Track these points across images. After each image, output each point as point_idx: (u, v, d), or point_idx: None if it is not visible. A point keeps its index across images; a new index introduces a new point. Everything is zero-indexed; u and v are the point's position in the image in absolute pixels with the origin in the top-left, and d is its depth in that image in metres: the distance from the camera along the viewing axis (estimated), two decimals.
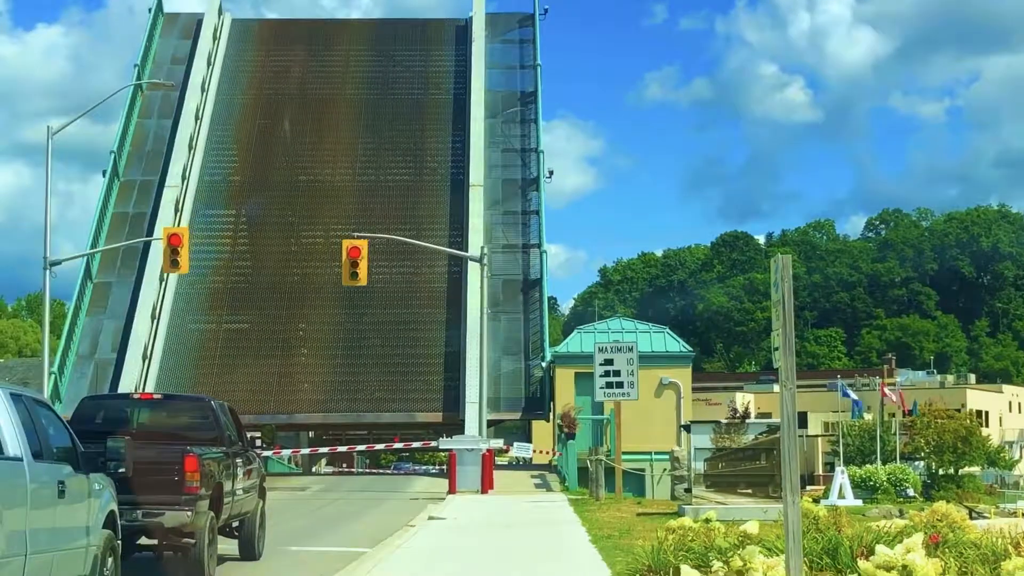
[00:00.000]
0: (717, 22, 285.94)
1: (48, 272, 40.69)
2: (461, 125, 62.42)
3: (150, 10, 66.71)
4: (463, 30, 67.63)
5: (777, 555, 10.85)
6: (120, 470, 14.15)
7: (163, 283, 54.70)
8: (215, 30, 65.87)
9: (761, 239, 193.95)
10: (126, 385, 50.44)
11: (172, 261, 39.28)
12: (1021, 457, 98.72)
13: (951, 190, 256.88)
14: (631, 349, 39.02)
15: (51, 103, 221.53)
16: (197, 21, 66.68)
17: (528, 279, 57.92)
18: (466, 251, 53.11)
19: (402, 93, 65.67)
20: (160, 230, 54.02)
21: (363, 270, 39.90)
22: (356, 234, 42.97)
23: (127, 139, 61.39)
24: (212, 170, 61.19)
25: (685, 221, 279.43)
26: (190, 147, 60.25)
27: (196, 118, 61.45)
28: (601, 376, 38.54)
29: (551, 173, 62.51)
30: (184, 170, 59.25)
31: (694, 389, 57.79)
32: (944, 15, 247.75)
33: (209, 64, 64.23)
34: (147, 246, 54.02)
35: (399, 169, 62.42)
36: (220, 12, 67.19)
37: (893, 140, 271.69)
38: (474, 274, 50.30)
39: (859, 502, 37.42)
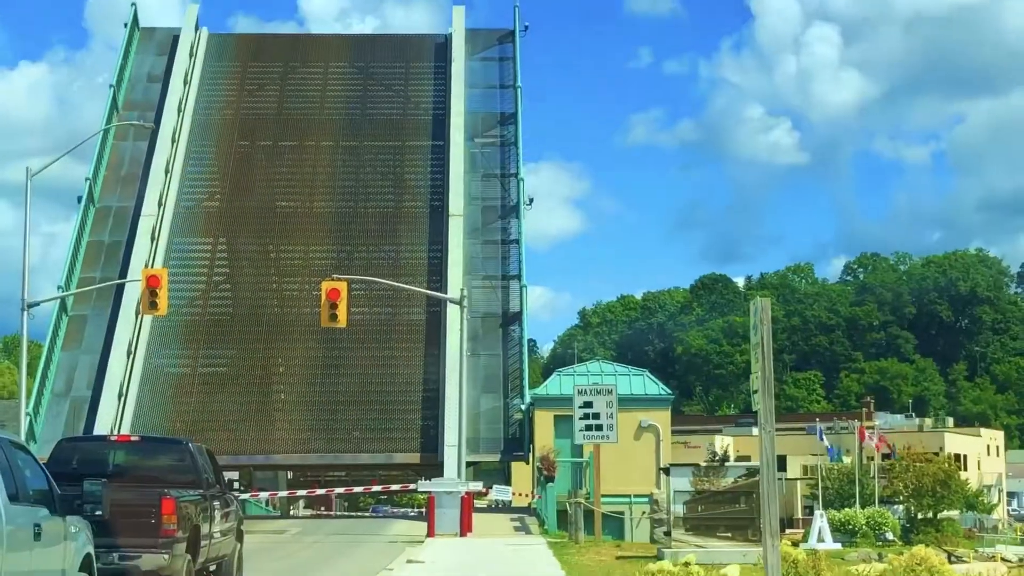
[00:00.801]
0: (702, 65, 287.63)
1: (25, 314, 40.42)
2: (440, 148, 61.61)
3: (125, 25, 65.15)
4: (442, 47, 66.40)
5: None
6: (97, 513, 14.07)
7: (139, 317, 53.72)
8: (191, 47, 64.41)
9: (740, 282, 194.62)
10: (101, 424, 49.99)
11: (151, 303, 39.03)
12: (999, 501, 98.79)
13: (933, 234, 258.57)
14: (610, 392, 39.01)
15: (35, 142, 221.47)
16: (173, 37, 65.15)
17: (508, 314, 57.48)
18: (446, 288, 52.99)
19: (381, 113, 64.61)
20: (137, 262, 53.96)
21: (343, 312, 39.77)
22: (336, 276, 42.82)
23: (102, 163, 60.11)
24: (188, 196, 60.00)
25: (667, 263, 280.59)
26: (166, 172, 59.06)
27: (172, 140, 60.24)
28: (581, 419, 38.51)
29: (531, 200, 61.77)
30: (160, 197, 58.12)
31: (673, 432, 57.77)
32: (928, 60, 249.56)
33: (185, 83, 62.86)
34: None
35: (378, 195, 61.78)
36: (197, 27, 65.76)
37: (876, 183, 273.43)
38: (453, 312, 50.14)
39: (838, 546, 37.40)
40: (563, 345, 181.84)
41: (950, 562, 22.49)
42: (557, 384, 54.76)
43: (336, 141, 63.17)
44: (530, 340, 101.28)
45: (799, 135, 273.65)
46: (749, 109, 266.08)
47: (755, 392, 10.67)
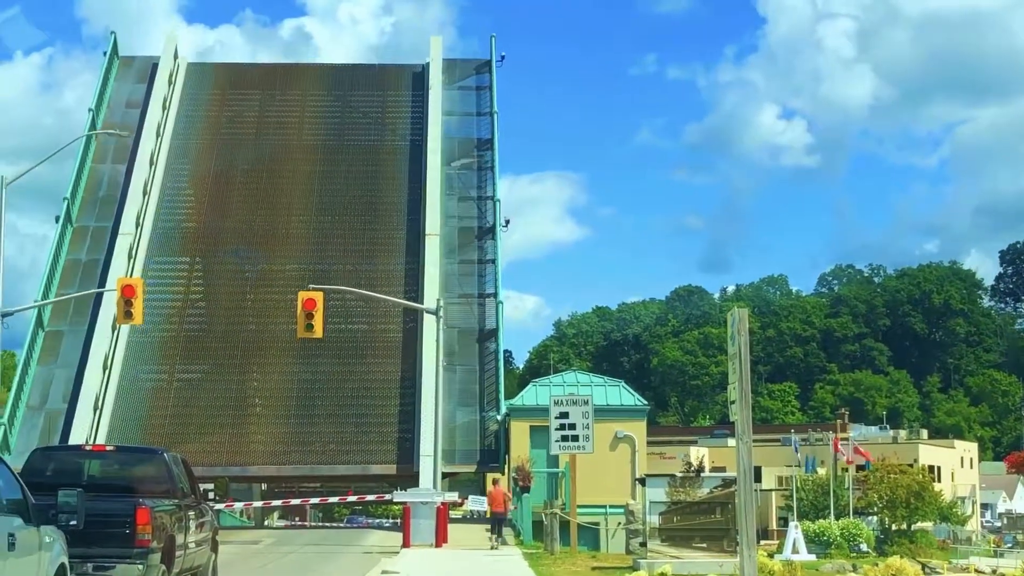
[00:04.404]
0: (704, 72, 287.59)
1: (0, 323, 40.24)
2: (418, 172, 62.29)
3: (105, 53, 65.94)
4: (420, 76, 67.33)
5: None
6: (72, 523, 14.01)
7: (115, 332, 54.18)
8: (171, 74, 65.24)
9: (716, 294, 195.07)
10: (77, 436, 49.87)
11: (126, 312, 39.00)
12: (973, 512, 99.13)
13: (928, 243, 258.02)
14: (586, 402, 39.03)
15: (15, 141, 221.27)
16: (152, 65, 65.92)
17: (484, 329, 57.76)
18: (422, 302, 53.03)
19: (359, 140, 65.30)
20: (114, 280, 53.91)
21: (318, 323, 39.71)
22: (312, 287, 42.76)
23: (80, 184, 60.58)
24: (166, 217, 60.61)
25: (646, 274, 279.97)
26: (144, 193, 59.68)
27: (151, 163, 60.90)
28: (557, 429, 38.52)
29: (507, 222, 62.34)
30: (138, 216, 58.72)
31: (649, 443, 57.81)
32: (933, 68, 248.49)
33: (164, 109, 63.57)
34: (100, 295, 53.53)
35: (355, 217, 62.19)
36: (176, 57, 66.68)
37: (874, 191, 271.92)
38: (430, 326, 50.18)
39: (813, 557, 37.45)
40: (538, 356, 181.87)
41: (924, 573, 22.59)
42: (533, 394, 54.75)
43: (313, 167, 63.77)
44: (506, 351, 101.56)
45: (807, 140, 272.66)
46: (752, 115, 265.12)
47: (732, 403, 10.70)
